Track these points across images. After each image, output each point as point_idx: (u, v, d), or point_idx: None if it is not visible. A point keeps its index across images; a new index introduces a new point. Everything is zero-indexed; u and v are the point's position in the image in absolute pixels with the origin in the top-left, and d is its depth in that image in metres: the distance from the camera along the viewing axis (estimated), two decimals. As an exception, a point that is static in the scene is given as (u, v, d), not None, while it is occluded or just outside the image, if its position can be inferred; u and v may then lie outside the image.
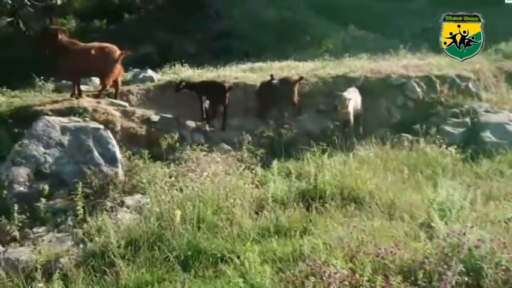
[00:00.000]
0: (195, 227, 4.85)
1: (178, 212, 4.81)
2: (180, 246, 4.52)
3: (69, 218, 5.52)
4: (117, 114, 7.99)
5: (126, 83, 10.28)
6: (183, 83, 8.87)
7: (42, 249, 4.65)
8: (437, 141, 7.70)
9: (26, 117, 7.67)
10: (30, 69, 13.26)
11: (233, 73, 10.44)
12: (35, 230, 5.37)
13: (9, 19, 17.41)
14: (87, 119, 7.36)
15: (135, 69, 11.47)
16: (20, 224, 5.30)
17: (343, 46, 16.65)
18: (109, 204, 5.74)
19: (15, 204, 5.38)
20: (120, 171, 6.51)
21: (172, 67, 12.04)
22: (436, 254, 3.62)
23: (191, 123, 8.61)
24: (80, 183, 5.66)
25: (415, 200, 5.45)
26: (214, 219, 5.06)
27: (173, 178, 6.72)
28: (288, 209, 5.34)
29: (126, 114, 8.15)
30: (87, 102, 8.13)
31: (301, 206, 5.37)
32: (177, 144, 7.80)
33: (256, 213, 5.38)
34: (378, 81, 9.78)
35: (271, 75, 9.19)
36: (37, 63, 13.84)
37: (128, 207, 5.72)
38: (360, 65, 10.61)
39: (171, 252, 4.41)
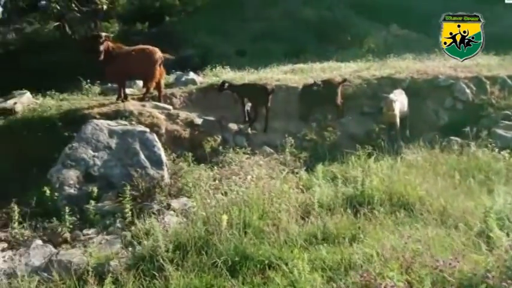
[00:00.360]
0: (241, 232, 4.82)
1: (224, 217, 4.78)
2: (227, 252, 4.49)
3: (118, 221, 5.60)
4: (162, 117, 8.07)
5: (168, 85, 10.42)
6: (226, 84, 8.86)
7: (93, 251, 4.72)
8: (489, 145, 7.38)
9: (74, 120, 7.85)
10: (76, 72, 13.67)
11: (275, 75, 10.38)
12: (84, 231, 5.48)
13: (56, 23, 18.02)
14: (133, 122, 7.47)
15: (177, 72, 11.61)
16: (70, 226, 5.42)
17: (385, 46, 16.33)
18: (156, 207, 5.78)
19: (66, 207, 5.52)
20: (165, 174, 6.56)
21: (213, 69, 12.12)
22: (498, 267, 3.43)
23: (233, 126, 8.60)
24: (128, 186, 5.74)
25: (468, 207, 5.23)
26: (260, 224, 5.01)
27: (217, 181, 6.75)
28: (334, 215, 5.24)
29: (171, 117, 8.23)
30: (132, 105, 8.26)
31: (349, 212, 5.25)
32: (220, 147, 7.83)
33: (302, 218, 5.30)
34: (425, 83, 9.48)
35: (315, 81, 9.07)
36: (82, 66, 14.26)
37: (174, 211, 5.76)
38: (405, 66, 10.34)
39: (219, 257, 4.39)
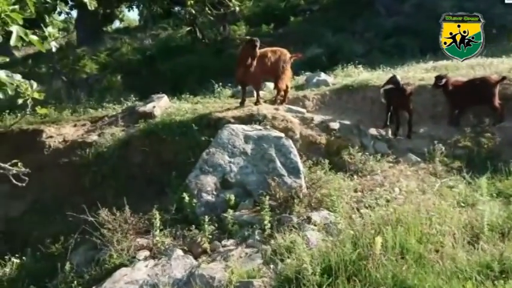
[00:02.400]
0: (398, 257, 4.17)
1: (379, 240, 4.17)
2: (384, 281, 3.89)
3: (256, 232, 5.27)
4: (296, 121, 7.66)
5: (299, 87, 10.05)
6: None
7: (234, 267, 4.44)
8: None
9: (209, 124, 7.82)
10: (204, 75, 14.01)
11: (417, 74, 9.39)
12: (223, 242, 5.23)
13: (188, 28, 18.78)
14: (268, 126, 7.16)
15: (307, 73, 11.21)
16: (210, 236, 5.23)
17: (539, 39, 14.24)
18: (295, 219, 5.35)
19: (206, 216, 5.34)
20: (303, 183, 6.11)
21: (345, 69, 11.52)
22: None
23: (372, 131, 7.90)
24: (267, 196, 5.41)
25: None
26: (420, 249, 4.31)
27: (359, 193, 6.17)
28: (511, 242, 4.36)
29: (305, 121, 7.78)
30: (266, 109, 7.99)
31: (531, 240, 4.31)
32: (359, 153, 7.17)
33: (470, 244, 4.48)
34: None
35: (438, 75, 8.03)
36: (211, 69, 14.61)
37: (315, 225, 5.28)
38: None
39: (375, 287, 3.81)
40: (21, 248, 6.61)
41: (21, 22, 4.05)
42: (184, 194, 5.84)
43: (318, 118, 7.93)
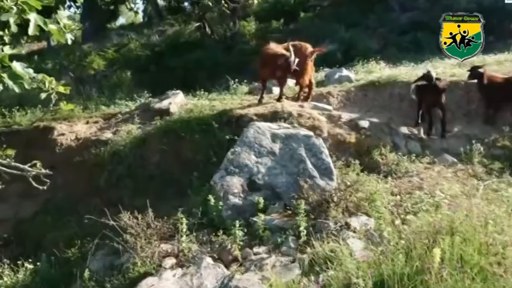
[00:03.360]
0: (458, 271, 3.75)
1: (437, 251, 3.75)
2: (445, 297, 3.48)
3: (290, 239, 4.86)
4: (323, 119, 7.23)
5: (319, 83, 9.64)
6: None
7: (273, 279, 4.03)
8: None
9: (230, 122, 7.41)
10: (215, 71, 13.61)
11: (447, 70, 8.96)
12: (255, 250, 4.82)
13: (197, 24, 18.37)
14: (295, 125, 6.74)
15: (326, 69, 10.81)
16: (240, 243, 4.82)
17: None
18: (332, 225, 4.93)
19: (235, 220, 4.94)
20: (336, 185, 5.68)
21: (364, 65, 11.13)
22: None
23: (404, 129, 7.46)
24: (302, 200, 5.00)
25: None
26: (481, 261, 3.89)
27: (397, 196, 5.74)
28: None
29: (332, 119, 7.35)
30: (290, 106, 7.56)
31: None
32: (391, 154, 6.76)
33: (532, 255, 4.06)
34: None
35: (474, 66, 7.66)
36: (223, 65, 14.22)
37: (354, 231, 4.86)
38: None
39: (436, 305, 3.40)
40: (34, 252, 6.25)
41: (38, 9, 3.66)
42: (210, 197, 5.43)
43: (345, 116, 7.51)
